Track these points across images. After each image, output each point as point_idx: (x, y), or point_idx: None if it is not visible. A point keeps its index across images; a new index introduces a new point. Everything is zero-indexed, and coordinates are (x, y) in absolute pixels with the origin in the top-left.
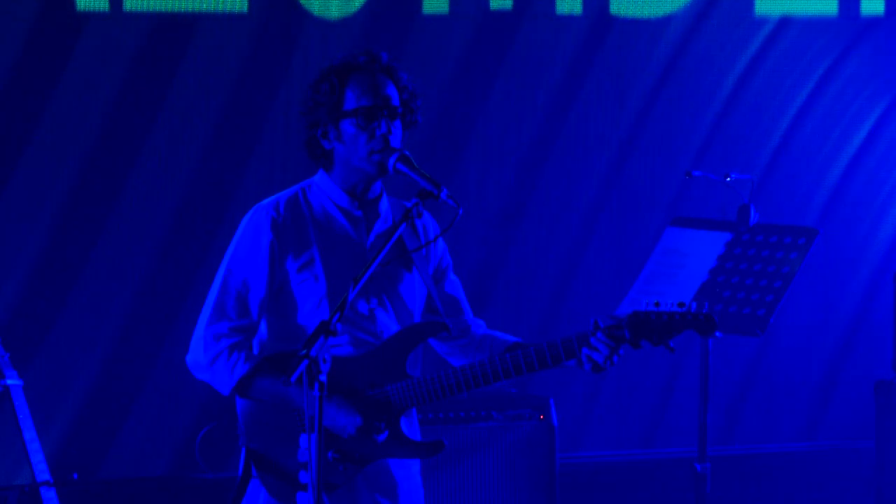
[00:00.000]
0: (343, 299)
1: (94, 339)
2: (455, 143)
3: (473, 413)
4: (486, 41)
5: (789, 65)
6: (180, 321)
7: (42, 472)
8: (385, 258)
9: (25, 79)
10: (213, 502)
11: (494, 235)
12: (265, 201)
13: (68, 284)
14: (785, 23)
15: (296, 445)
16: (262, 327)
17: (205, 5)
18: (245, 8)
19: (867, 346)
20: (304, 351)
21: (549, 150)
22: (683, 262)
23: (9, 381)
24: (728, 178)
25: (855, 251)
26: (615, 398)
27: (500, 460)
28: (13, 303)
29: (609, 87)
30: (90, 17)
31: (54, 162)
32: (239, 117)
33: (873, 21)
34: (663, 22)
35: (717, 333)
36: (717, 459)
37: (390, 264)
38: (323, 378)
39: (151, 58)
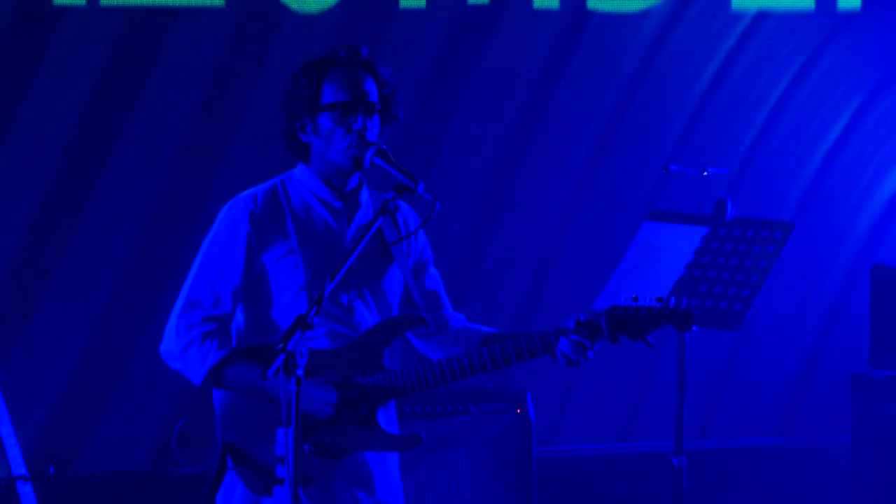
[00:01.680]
0: (320, 293)
1: (70, 334)
2: (432, 137)
3: (451, 407)
4: (464, 35)
5: (766, 59)
6: (157, 315)
7: (18, 467)
8: (363, 251)
9: (1, 73)
10: (191, 496)
11: (472, 229)
12: (243, 193)
13: (44, 279)
14: (762, 17)
15: (272, 439)
16: (240, 319)
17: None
18: (222, 2)
19: (843, 341)
20: (281, 345)
21: (527, 145)
22: (660, 256)
23: None
24: (705, 173)
25: (831, 245)
26: (592, 392)
27: (477, 454)
28: None
29: (586, 82)
30: (67, 11)
31: (30, 157)
32: (217, 111)
33: (850, 15)
34: (640, 16)
35: (694, 328)
36: (694, 454)
37: (369, 257)
38: (300, 372)
39: (128, 52)
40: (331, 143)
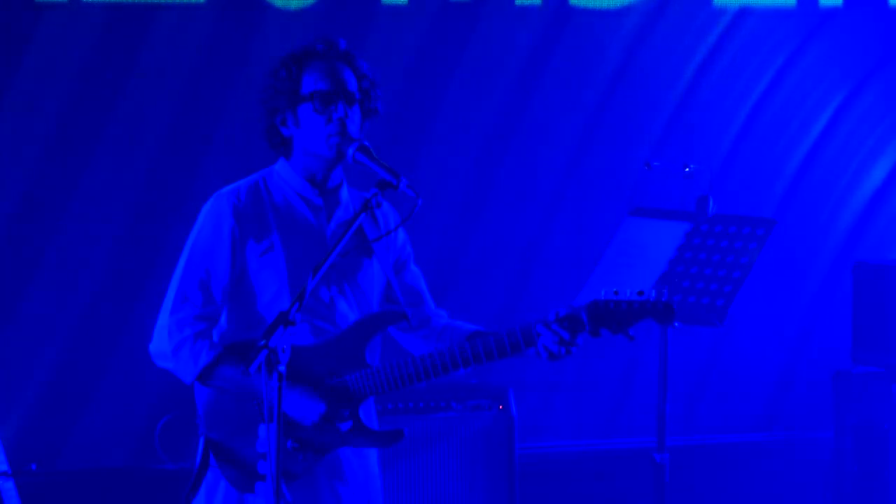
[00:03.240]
0: (302, 289)
1: (53, 329)
2: (415, 133)
3: (433, 403)
4: (446, 31)
5: (748, 55)
6: (140, 310)
7: (1, 463)
8: (345, 248)
9: None
10: (173, 493)
11: (454, 225)
12: (226, 188)
13: (26, 274)
14: (744, 13)
15: (255, 435)
16: (222, 315)
17: None
18: None
19: (826, 337)
20: (264, 341)
21: (509, 141)
22: (642, 252)
23: None
24: (687, 169)
25: (814, 242)
26: (575, 389)
27: (459, 450)
28: None
29: (568, 78)
30: (48, 7)
31: (12, 152)
32: (198, 107)
33: (831, 12)
34: (622, 13)
35: (676, 324)
36: (676, 450)
37: (350, 254)
38: (282, 368)
39: (110, 47)
40: (312, 134)
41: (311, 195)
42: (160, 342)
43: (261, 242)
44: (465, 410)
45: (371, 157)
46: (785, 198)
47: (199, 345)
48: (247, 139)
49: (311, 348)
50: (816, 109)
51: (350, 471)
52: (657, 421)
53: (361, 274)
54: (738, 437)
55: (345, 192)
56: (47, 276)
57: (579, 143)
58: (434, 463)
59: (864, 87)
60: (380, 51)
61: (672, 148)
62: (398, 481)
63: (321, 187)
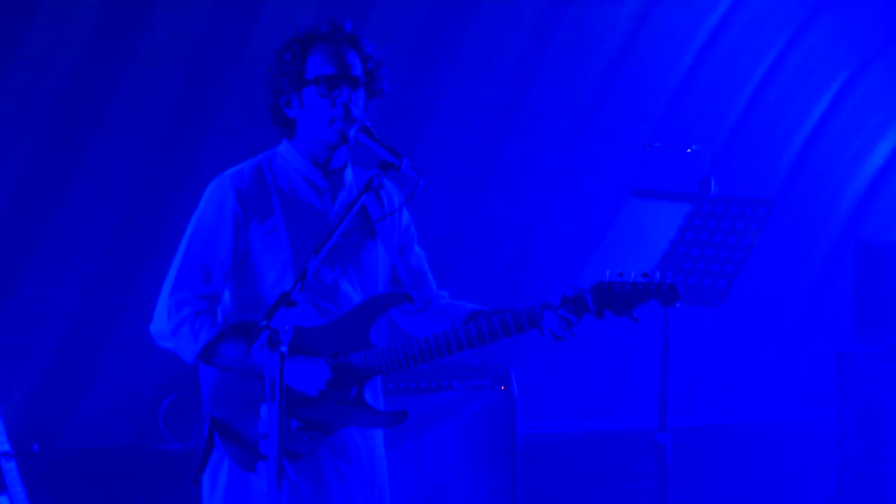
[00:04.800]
0: (304, 270)
1: (55, 308)
2: (416, 113)
3: (434, 383)
4: (448, 12)
5: (750, 37)
6: (142, 289)
7: (2, 443)
8: (347, 228)
9: None
10: (177, 472)
11: (456, 205)
12: (229, 170)
13: (28, 253)
14: None
15: (258, 415)
16: (227, 296)
17: None
18: None
19: (828, 318)
20: (265, 322)
21: (511, 121)
22: (644, 233)
23: None
24: (689, 150)
25: (816, 223)
26: (576, 369)
27: (461, 430)
28: None
29: (570, 59)
30: None
31: (12, 134)
32: (200, 89)
33: None
34: None
35: (678, 304)
36: (678, 430)
37: (354, 234)
38: (283, 349)
39: (111, 28)
40: (316, 117)
41: (314, 177)
42: (160, 322)
43: (264, 224)
44: (467, 390)
45: (373, 138)
46: (787, 179)
47: (199, 324)
48: (250, 120)
49: (314, 329)
50: (818, 91)
51: (355, 451)
52: (658, 401)
53: (365, 255)
54: (739, 416)
55: (349, 174)
56: (50, 255)
57: (581, 124)
58: (436, 443)
59: (865, 68)
60: (381, 31)
61: (674, 129)
62: (400, 460)
63: (325, 169)
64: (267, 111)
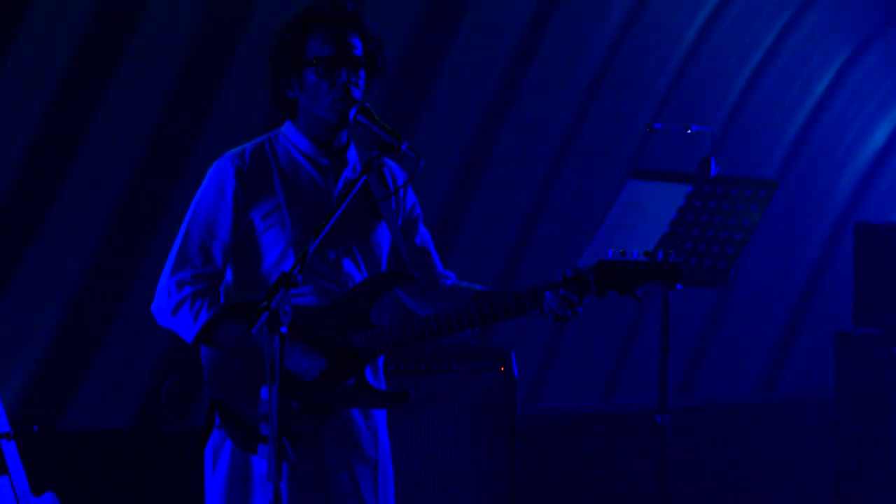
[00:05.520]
0: (304, 250)
1: (55, 289)
2: (417, 94)
3: (434, 365)
4: None
5: (750, 16)
6: (143, 270)
7: (2, 425)
8: (350, 207)
9: None
10: (178, 454)
11: (456, 186)
12: (231, 151)
13: (27, 235)
14: None
15: (258, 396)
16: (229, 276)
17: None
18: None
19: (827, 298)
20: (265, 302)
21: (511, 102)
22: (644, 214)
23: None
24: (689, 131)
25: (815, 203)
26: (576, 351)
27: (460, 412)
28: None
29: (570, 40)
30: None
31: (12, 113)
32: (201, 70)
33: None
34: None
35: (678, 286)
36: (678, 411)
37: (356, 214)
38: (284, 330)
39: (111, 8)
40: (316, 98)
41: (316, 155)
42: (161, 302)
43: (265, 203)
44: (467, 372)
45: (373, 120)
46: (786, 159)
47: (199, 304)
48: (251, 101)
49: (316, 308)
50: (818, 70)
51: (357, 432)
52: (658, 382)
53: (368, 234)
54: (739, 398)
55: (352, 153)
56: (50, 235)
57: (581, 105)
58: (436, 424)
59: (866, 47)
60: (382, 11)
61: (674, 109)
62: (400, 442)
63: (327, 148)
64: (266, 95)
